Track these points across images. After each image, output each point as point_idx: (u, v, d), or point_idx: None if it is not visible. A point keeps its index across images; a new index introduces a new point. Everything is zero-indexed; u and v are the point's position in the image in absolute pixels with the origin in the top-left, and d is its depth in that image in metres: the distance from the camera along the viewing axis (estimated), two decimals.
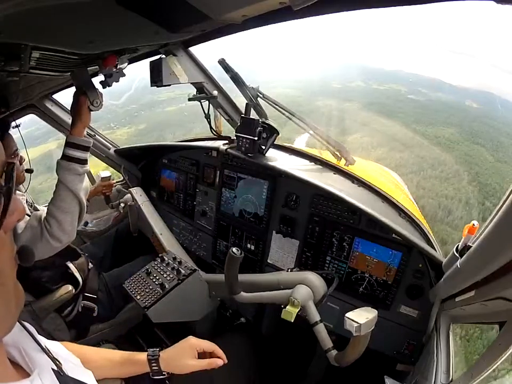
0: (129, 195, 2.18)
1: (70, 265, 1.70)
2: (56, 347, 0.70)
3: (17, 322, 0.53)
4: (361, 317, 0.86)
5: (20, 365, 0.52)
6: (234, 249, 1.12)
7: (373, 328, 0.89)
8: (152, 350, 0.94)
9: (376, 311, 0.90)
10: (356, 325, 0.85)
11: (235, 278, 1.22)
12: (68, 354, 0.72)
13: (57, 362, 0.59)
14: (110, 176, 2.24)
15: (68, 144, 1.27)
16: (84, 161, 1.29)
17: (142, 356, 0.93)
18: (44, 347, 0.59)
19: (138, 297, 1.64)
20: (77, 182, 1.26)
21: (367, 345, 0.93)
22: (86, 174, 1.32)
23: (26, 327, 0.56)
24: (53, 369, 0.56)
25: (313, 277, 1.17)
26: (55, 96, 2.10)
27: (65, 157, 1.26)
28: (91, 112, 1.34)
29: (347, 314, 0.89)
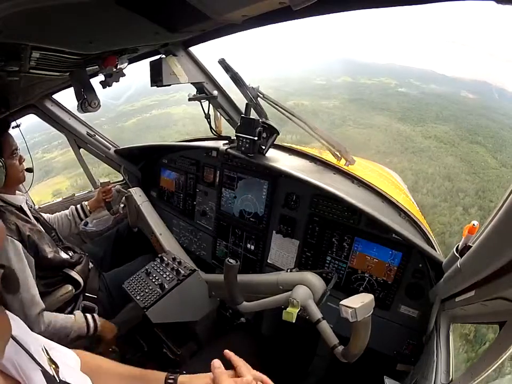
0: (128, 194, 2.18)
1: (71, 272, 1.70)
2: (55, 347, 0.70)
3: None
4: (356, 302, 0.85)
5: (16, 379, 0.52)
6: (230, 259, 1.15)
7: (371, 312, 0.87)
8: (172, 372, 0.86)
9: (372, 296, 0.88)
10: (350, 310, 0.84)
11: (235, 287, 1.24)
12: (66, 356, 0.71)
13: (54, 366, 0.59)
14: (109, 181, 2.25)
15: None
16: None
17: (160, 375, 0.86)
18: (42, 349, 0.59)
19: (138, 297, 1.64)
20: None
21: (369, 333, 0.92)
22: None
23: (17, 340, 0.55)
24: (46, 377, 0.55)
25: (311, 277, 1.17)
26: (55, 96, 2.11)
27: None
28: (88, 112, 1.35)
29: (341, 302, 0.87)
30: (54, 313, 1.49)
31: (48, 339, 0.70)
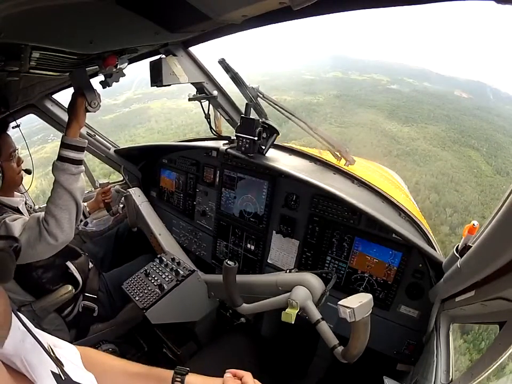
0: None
1: (70, 265, 1.70)
2: (59, 344, 0.70)
3: (18, 329, 0.53)
4: (355, 302, 0.85)
5: (24, 375, 0.52)
6: (228, 261, 1.17)
7: (370, 312, 0.87)
8: (179, 369, 0.85)
9: (371, 295, 0.88)
10: (348, 310, 0.84)
11: (234, 289, 1.24)
12: (69, 353, 0.71)
13: (59, 364, 0.59)
14: (108, 181, 2.25)
15: (63, 145, 1.30)
16: (78, 162, 1.32)
17: (167, 373, 0.85)
18: (47, 347, 0.59)
19: (137, 298, 1.64)
20: (72, 182, 1.29)
21: (369, 333, 0.91)
22: (81, 174, 1.35)
23: (30, 330, 0.55)
24: (53, 373, 0.55)
25: (310, 277, 1.18)
26: (55, 96, 2.10)
27: (59, 157, 1.29)
28: (88, 112, 1.35)
29: (339, 302, 0.87)
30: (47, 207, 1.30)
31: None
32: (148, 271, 1.76)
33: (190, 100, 1.81)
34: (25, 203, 1.65)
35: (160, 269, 1.77)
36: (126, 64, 1.29)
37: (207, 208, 2.01)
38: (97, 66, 1.23)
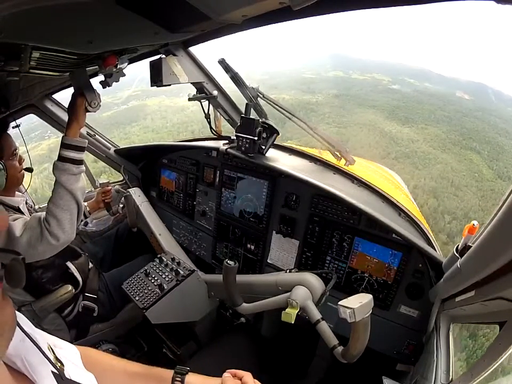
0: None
1: (70, 265, 1.70)
2: (59, 344, 0.70)
3: (18, 329, 0.53)
4: (355, 303, 0.85)
5: (25, 374, 0.52)
6: (229, 261, 1.18)
7: (370, 313, 0.87)
8: (179, 369, 0.84)
9: (371, 296, 0.88)
10: (349, 310, 0.84)
11: (234, 288, 1.25)
12: (69, 353, 0.71)
13: (59, 364, 0.59)
14: (108, 181, 2.25)
15: (63, 145, 1.30)
16: (78, 162, 1.32)
17: (166, 373, 0.85)
18: (48, 348, 0.59)
19: (137, 298, 1.64)
20: (72, 182, 1.29)
21: (369, 334, 0.91)
22: (82, 173, 1.34)
23: (27, 333, 0.55)
24: (54, 373, 0.55)
25: (310, 277, 1.18)
26: (55, 96, 2.10)
27: (60, 157, 1.29)
28: (88, 112, 1.35)
29: (340, 302, 0.87)
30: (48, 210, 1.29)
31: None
32: (148, 271, 1.77)
33: (190, 99, 1.81)
34: (26, 202, 1.65)
35: (160, 268, 1.77)
36: (126, 64, 1.29)
37: (207, 208, 2.01)
38: (97, 66, 1.23)
